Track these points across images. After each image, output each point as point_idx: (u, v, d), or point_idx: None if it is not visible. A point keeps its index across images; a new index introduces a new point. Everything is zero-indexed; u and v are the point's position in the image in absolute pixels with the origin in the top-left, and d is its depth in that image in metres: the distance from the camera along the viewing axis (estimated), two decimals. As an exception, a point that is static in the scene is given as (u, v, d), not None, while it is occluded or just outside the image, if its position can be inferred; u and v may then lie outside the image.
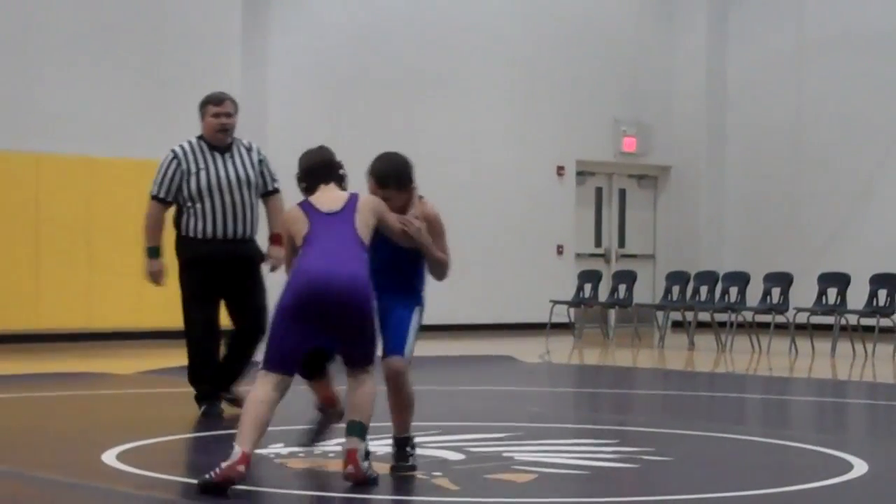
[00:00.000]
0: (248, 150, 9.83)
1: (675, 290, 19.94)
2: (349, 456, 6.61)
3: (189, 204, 9.59)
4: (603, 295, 20.96)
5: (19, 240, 17.10)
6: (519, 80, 22.03)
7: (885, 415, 11.58)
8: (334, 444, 7.82)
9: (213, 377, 9.67)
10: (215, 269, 9.60)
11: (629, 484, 7.13)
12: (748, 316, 18.87)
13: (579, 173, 23.07)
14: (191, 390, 9.79)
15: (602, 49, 22.85)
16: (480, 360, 16.12)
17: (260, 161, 9.84)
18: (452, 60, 21.33)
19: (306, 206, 6.85)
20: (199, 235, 9.58)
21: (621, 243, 23.85)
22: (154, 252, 9.69)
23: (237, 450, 6.41)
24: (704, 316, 19.54)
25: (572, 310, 20.68)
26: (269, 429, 7.80)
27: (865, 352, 17.50)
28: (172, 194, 9.64)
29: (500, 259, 21.79)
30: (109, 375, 13.23)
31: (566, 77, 22.48)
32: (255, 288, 9.79)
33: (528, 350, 17.47)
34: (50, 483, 7.00)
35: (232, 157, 9.72)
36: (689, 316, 19.47)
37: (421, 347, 18.80)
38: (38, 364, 14.42)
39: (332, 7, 20.30)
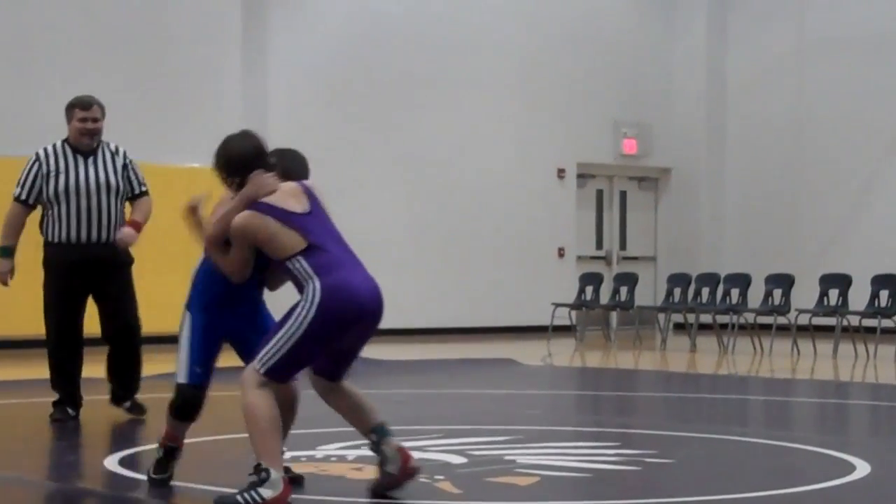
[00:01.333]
0: (114, 154, 9.68)
1: (677, 292, 19.92)
2: (406, 454, 6.43)
3: (49, 208, 9.49)
4: (604, 297, 20.94)
5: (20, 246, 17.06)
6: (519, 82, 22.02)
7: (888, 416, 11.56)
8: (335, 449, 7.81)
9: (69, 386, 9.58)
10: (76, 274, 9.48)
11: (632, 486, 7.11)
12: (750, 317, 18.85)
13: (580, 176, 23.05)
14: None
15: (602, 51, 22.84)
16: (482, 363, 16.10)
17: (124, 165, 9.68)
18: (452, 62, 21.32)
19: (273, 211, 6.27)
20: (59, 240, 9.48)
21: (622, 245, 23.83)
22: (5, 252, 9.55)
23: (275, 477, 6.01)
24: (706, 318, 19.51)
25: (574, 312, 20.66)
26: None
27: (867, 353, 17.48)
28: (34, 196, 9.50)
29: (502, 262, 21.77)
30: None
31: (566, 79, 22.47)
32: (123, 294, 9.64)
33: (529, 353, 17.45)
34: (51, 489, 6.99)
35: (95, 160, 9.57)
36: (691, 318, 19.45)
37: (423, 351, 18.75)
38: (39, 369, 14.39)
39: (333, 8, 20.30)
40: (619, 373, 15.82)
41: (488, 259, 21.62)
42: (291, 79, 19.87)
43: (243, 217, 6.26)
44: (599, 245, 23.60)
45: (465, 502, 6.47)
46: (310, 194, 6.38)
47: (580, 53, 22.62)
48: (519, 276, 21.91)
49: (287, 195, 6.31)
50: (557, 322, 20.25)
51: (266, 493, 5.97)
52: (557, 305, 20.22)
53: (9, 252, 9.55)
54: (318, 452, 7.75)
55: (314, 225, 6.29)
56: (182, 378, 6.54)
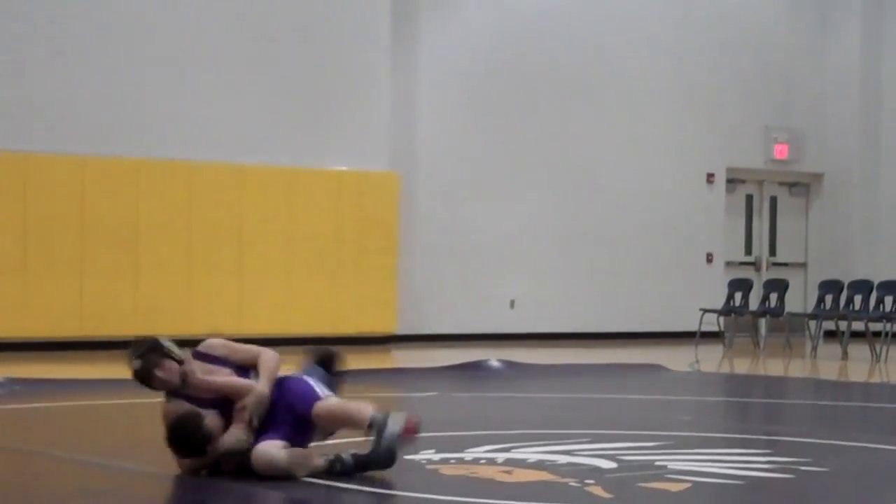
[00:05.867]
0: None
1: (828, 298, 19.61)
2: None
3: None
4: (753, 304, 20.68)
5: (172, 244, 17.42)
6: (669, 87, 21.86)
7: None
8: (484, 451, 7.81)
9: None
10: None
11: (787, 495, 7.00)
12: (904, 326, 18.50)
13: (729, 181, 22.82)
14: None
15: (753, 55, 22.59)
16: (630, 369, 16.00)
17: None
18: (602, 66, 21.24)
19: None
20: None
21: (772, 251, 23.54)
22: None
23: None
24: (858, 325, 19.17)
25: (722, 318, 20.45)
26: (422, 435, 7.82)
27: None
28: None
29: (650, 267, 21.63)
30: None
31: (716, 83, 22.26)
32: None
33: (677, 359, 17.31)
34: (225, 487, 7.07)
35: None
36: (843, 325, 19.12)
37: (570, 355, 18.64)
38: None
39: (483, 13, 20.33)
40: (768, 380, 15.62)
41: (636, 264, 21.49)
42: (440, 81, 19.94)
43: None
44: (748, 251, 23.34)
45: (616, 507, 6.42)
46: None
47: (731, 57, 22.39)
48: (667, 281, 21.75)
49: None
50: (705, 328, 20.05)
51: None
52: (705, 311, 20.02)
53: None
54: (467, 455, 7.75)
55: None
56: None
